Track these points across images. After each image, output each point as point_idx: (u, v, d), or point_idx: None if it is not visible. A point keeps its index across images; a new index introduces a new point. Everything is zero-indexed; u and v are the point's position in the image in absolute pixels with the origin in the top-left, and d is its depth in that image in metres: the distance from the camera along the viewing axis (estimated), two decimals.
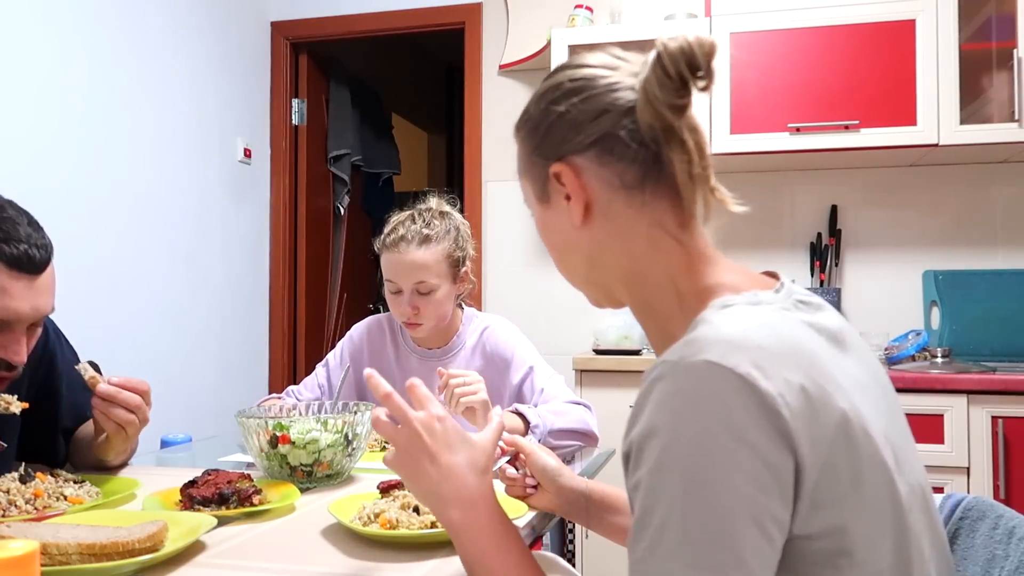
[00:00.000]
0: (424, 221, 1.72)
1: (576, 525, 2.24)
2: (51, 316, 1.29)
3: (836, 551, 0.67)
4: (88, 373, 1.28)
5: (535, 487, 1.14)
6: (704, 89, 0.74)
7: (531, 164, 0.85)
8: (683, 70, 0.73)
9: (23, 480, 1.15)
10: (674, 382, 0.66)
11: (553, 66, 2.76)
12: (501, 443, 1.17)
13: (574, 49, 2.81)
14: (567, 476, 1.13)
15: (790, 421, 0.64)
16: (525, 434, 1.52)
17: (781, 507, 0.64)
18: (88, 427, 1.44)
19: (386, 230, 1.74)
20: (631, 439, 0.69)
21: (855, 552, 0.67)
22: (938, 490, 2.17)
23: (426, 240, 1.69)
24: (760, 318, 0.72)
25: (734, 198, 0.81)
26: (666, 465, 0.64)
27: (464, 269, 1.77)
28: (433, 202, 1.82)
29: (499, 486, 1.20)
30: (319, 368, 1.92)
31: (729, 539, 0.62)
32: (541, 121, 0.83)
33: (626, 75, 0.80)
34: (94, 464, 1.40)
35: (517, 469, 1.16)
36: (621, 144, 0.78)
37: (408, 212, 1.76)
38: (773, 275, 0.85)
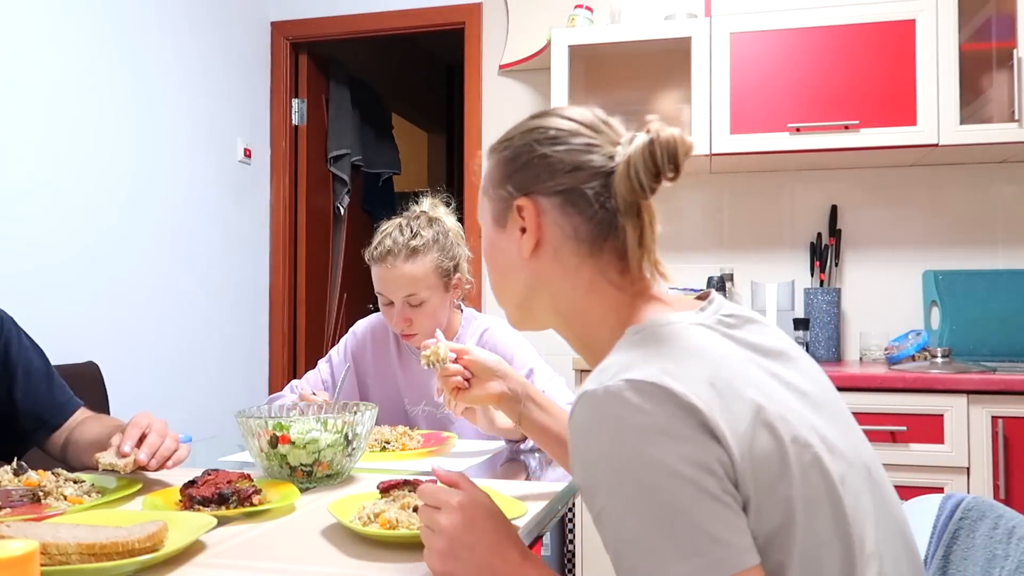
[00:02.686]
0: (411, 232, 1.69)
1: (576, 527, 2.24)
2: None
3: (781, 528, 0.71)
4: (121, 463, 1.22)
5: (469, 381, 1.27)
6: (671, 180, 0.84)
7: (498, 188, 0.91)
8: (664, 160, 0.82)
9: (17, 473, 1.16)
10: (598, 408, 0.72)
11: (554, 66, 2.77)
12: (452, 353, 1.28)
13: (574, 49, 2.81)
14: (505, 367, 1.26)
15: (707, 414, 0.70)
16: (525, 436, 1.52)
17: (730, 484, 0.70)
18: (88, 431, 1.44)
19: (374, 241, 1.72)
20: (577, 474, 0.75)
21: (797, 526, 0.71)
22: (938, 490, 2.17)
23: (413, 253, 1.67)
24: (666, 336, 0.79)
25: (666, 268, 0.88)
26: (620, 487, 0.70)
27: (457, 276, 1.75)
28: (426, 204, 1.80)
29: (491, 483, 1.21)
30: (321, 364, 1.92)
31: (696, 523, 0.68)
32: (520, 154, 0.89)
33: (607, 141, 0.87)
34: (93, 465, 1.40)
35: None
36: (585, 201, 0.85)
37: (396, 221, 1.74)
38: (705, 295, 0.91)
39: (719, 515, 0.68)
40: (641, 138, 0.83)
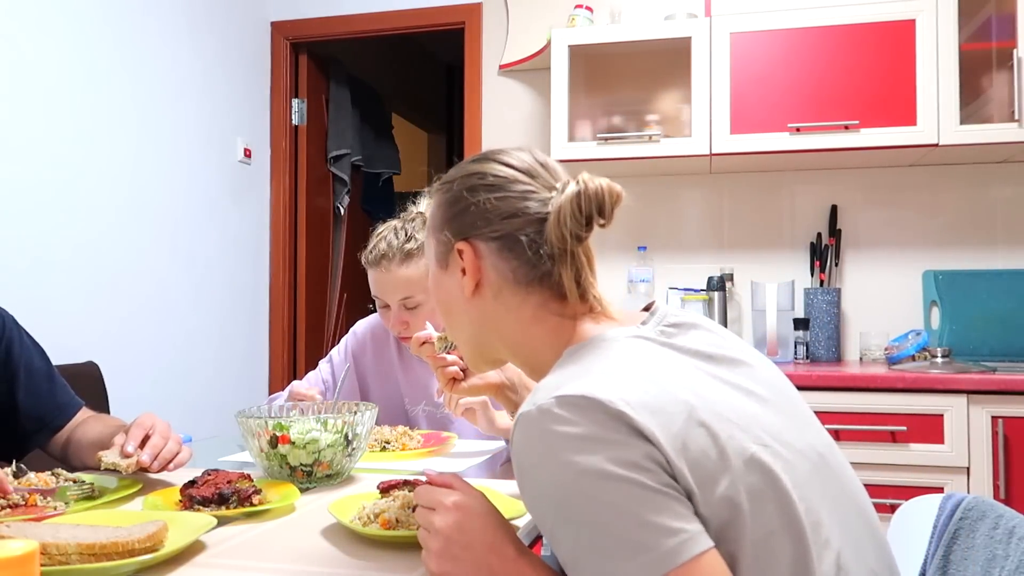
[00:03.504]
0: (406, 234, 1.67)
1: None
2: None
3: (730, 520, 0.73)
4: (124, 463, 1.21)
5: (465, 371, 1.25)
6: (602, 226, 0.88)
7: (439, 231, 0.95)
8: (592, 210, 0.86)
9: (16, 475, 1.16)
10: (532, 427, 0.75)
11: (554, 66, 2.77)
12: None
13: (574, 49, 2.81)
14: None
15: (634, 417, 0.72)
16: None
17: (668, 479, 0.72)
18: (89, 430, 1.44)
19: (370, 244, 1.70)
20: (525, 498, 0.78)
21: (744, 517, 0.73)
22: (938, 490, 2.17)
23: (408, 256, 1.66)
24: (600, 352, 0.82)
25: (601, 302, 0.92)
26: (560, 499, 0.73)
27: None
28: (423, 204, 1.80)
29: (489, 483, 1.20)
30: (322, 364, 1.92)
31: (645, 518, 0.70)
32: (459, 199, 0.93)
33: (542, 186, 0.91)
34: (93, 465, 1.40)
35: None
36: (521, 247, 0.89)
37: (391, 223, 1.72)
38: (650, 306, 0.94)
39: (661, 506, 0.70)
40: (571, 188, 0.87)
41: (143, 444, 1.25)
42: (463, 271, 0.92)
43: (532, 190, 0.90)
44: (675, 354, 0.83)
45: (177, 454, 1.28)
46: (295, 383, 1.89)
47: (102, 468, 1.23)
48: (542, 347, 0.91)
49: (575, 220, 0.86)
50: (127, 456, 1.22)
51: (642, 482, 0.70)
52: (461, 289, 0.93)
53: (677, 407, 0.74)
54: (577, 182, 0.87)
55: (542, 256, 0.89)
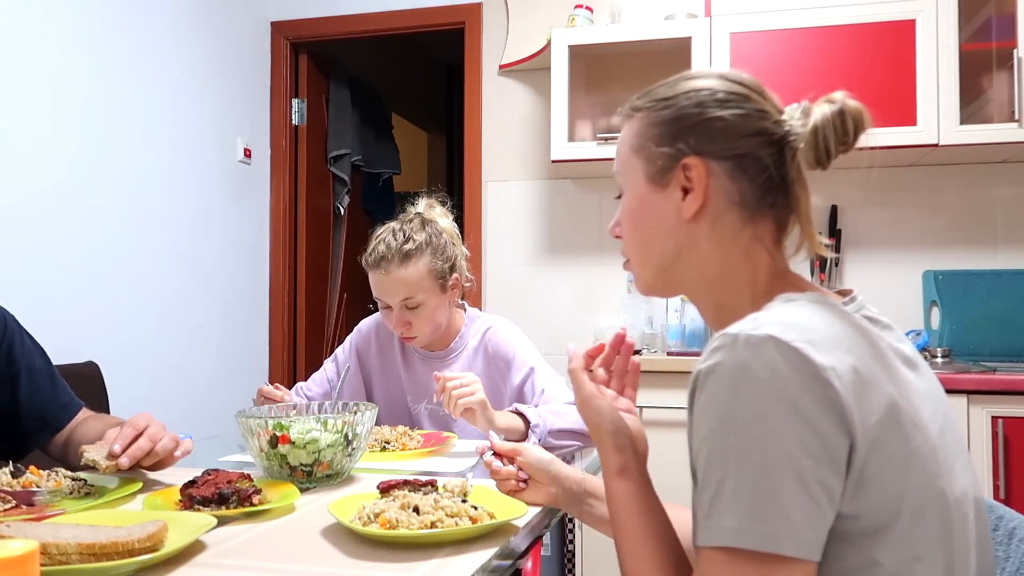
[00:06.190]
0: (405, 235, 1.70)
1: (576, 525, 2.24)
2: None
3: (883, 528, 0.70)
4: (104, 464, 1.20)
5: (526, 481, 1.16)
6: (843, 151, 0.82)
7: (662, 146, 0.87)
8: (850, 127, 0.80)
9: (14, 476, 1.16)
10: (733, 353, 0.70)
11: (554, 66, 2.77)
12: (490, 458, 1.17)
13: (574, 49, 2.81)
14: (560, 466, 1.15)
15: (842, 393, 0.67)
16: (526, 433, 1.52)
17: (831, 475, 0.68)
18: (88, 430, 1.44)
19: (369, 247, 1.73)
20: (692, 405, 0.73)
21: (897, 531, 0.70)
22: None
23: (406, 258, 1.68)
24: (819, 310, 0.77)
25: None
26: (723, 430, 0.69)
27: (454, 276, 1.76)
28: (421, 205, 1.82)
29: (491, 483, 1.20)
30: (327, 363, 1.93)
31: (776, 497, 0.66)
32: (689, 114, 0.85)
33: (773, 108, 0.85)
34: (93, 465, 1.40)
35: (504, 464, 1.17)
36: (757, 167, 0.83)
37: (390, 225, 1.75)
38: (846, 292, 0.89)
39: (800, 499, 0.66)
40: (825, 108, 0.81)
41: (132, 444, 1.24)
42: (684, 191, 0.85)
43: (766, 110, 0.84)
44: (883, 346, 0.77)
45: (174, 449, 1.28)
46: (300, 384, 1.91)
47: (82, 463, 1.22)
48: (742, 286, 0.86)
49: (837, 139, 0.80)
50: (112, 456, 1.21)
51: (800, 468, 0.66)
52: (678, 211, 0.85)
53: (881, 400, 0.70)
54: (831, 101, 0.81)
55: (778, 178, 0.83)
